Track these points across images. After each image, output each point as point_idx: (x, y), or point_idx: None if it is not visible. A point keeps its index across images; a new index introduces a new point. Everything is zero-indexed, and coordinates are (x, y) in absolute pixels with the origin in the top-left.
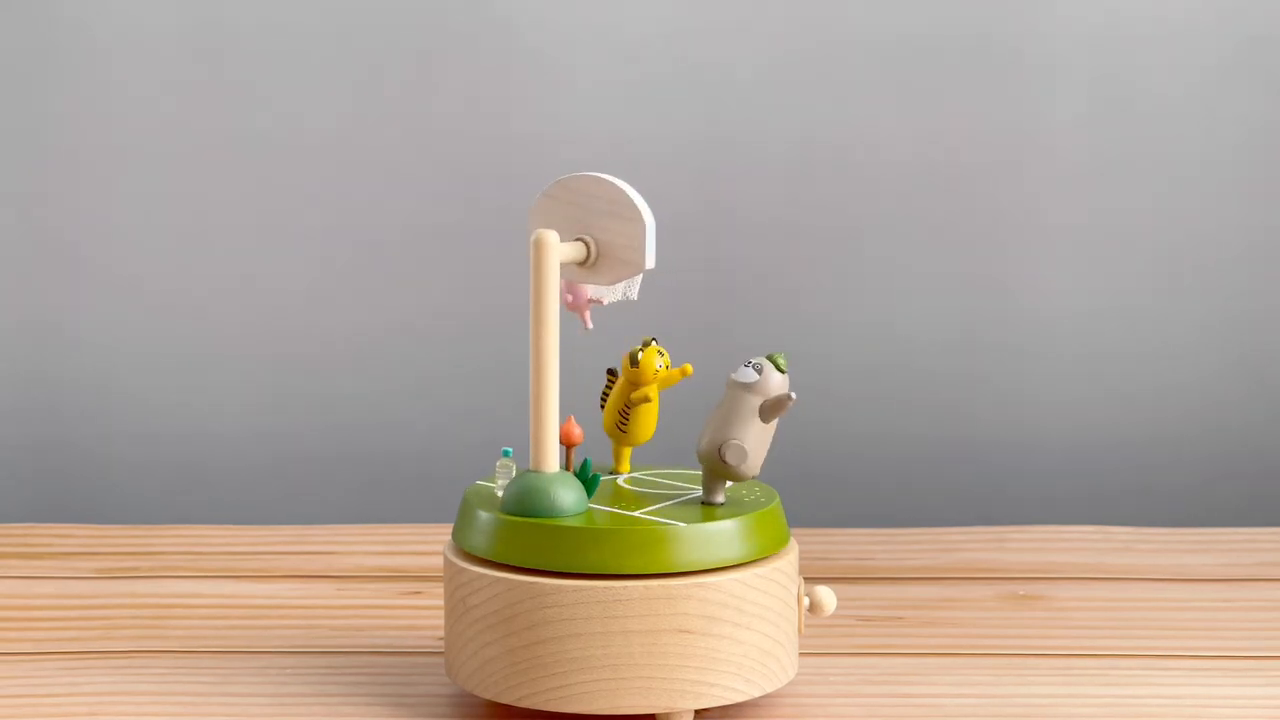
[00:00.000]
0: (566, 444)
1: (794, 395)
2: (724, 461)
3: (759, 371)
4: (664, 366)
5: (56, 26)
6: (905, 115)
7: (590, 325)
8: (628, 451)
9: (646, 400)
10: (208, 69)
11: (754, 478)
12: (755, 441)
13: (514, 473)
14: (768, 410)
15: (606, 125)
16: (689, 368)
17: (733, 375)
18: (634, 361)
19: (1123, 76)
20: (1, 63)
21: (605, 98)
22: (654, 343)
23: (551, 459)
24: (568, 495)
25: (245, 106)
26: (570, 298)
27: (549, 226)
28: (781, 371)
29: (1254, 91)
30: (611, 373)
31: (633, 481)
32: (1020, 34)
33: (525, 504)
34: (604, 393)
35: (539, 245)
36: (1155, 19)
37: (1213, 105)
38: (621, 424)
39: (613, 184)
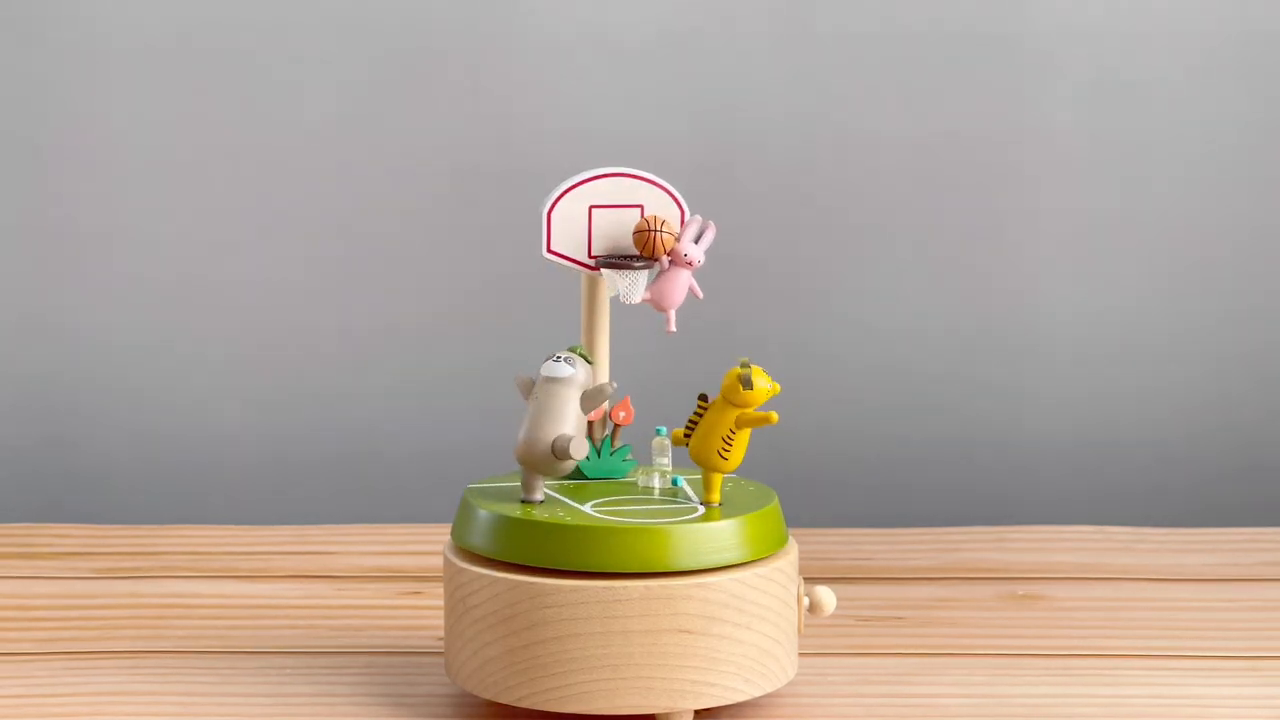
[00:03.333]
0: (617, 422)
1: (614, 384)
2: (556, 456)
3: (572, 365)
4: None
5: (56, 26)
6: (904, 114)
7: (673, 328)
8: (719, 479)
9: (768, 422)
10: (208, 68)
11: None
12: (578, 432)
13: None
14: (588, 401)
15: (607, 123)
16: (773, 416)
17: (544, 371)
18: (747, 384)
19: (1122, 74)
20: (2, 62)
21: (606, 94)
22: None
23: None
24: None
25: (245, 106)
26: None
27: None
28: (589, 363)
29: (1254, 90)
30: (703, 398)
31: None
32: (1019, 31)
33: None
34: (692, 420)
35: None
36: (1155, 17)
37: (1212, 104)
38: (724, 450)
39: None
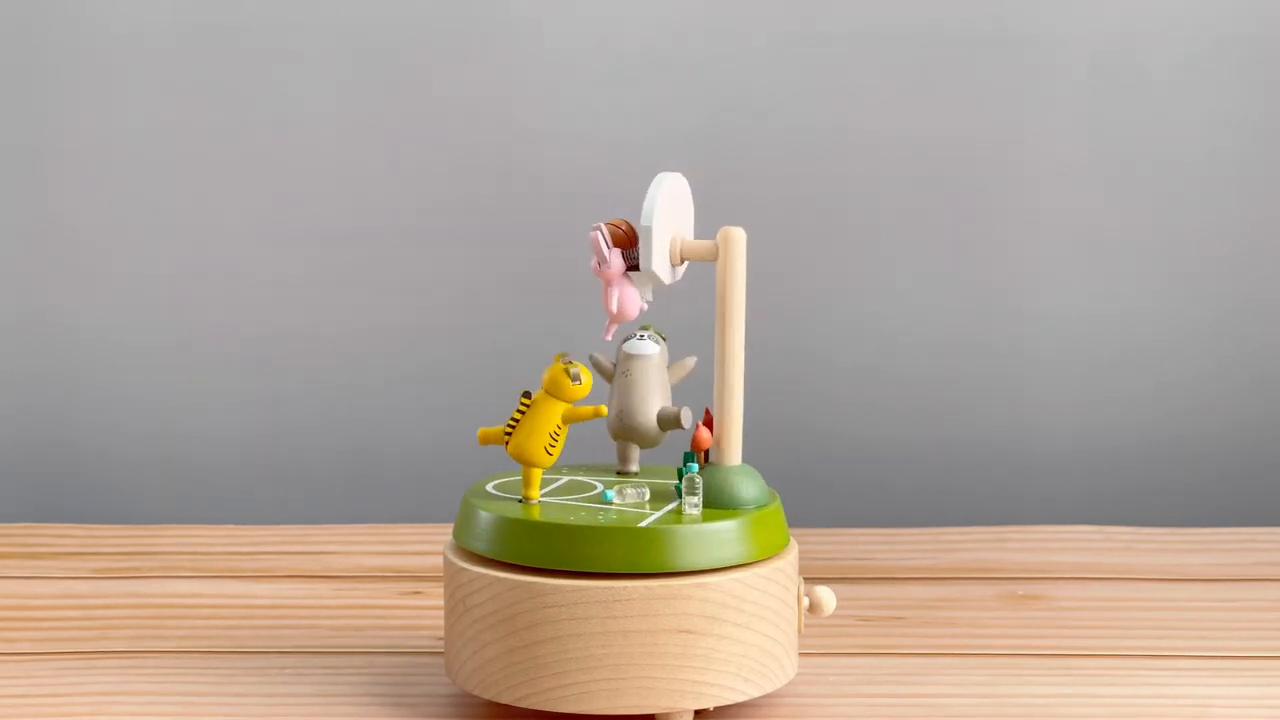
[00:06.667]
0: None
1: (695, 358)
2: (663, 427)
3: (656, 342)
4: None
5: (56, 26)
6: (905, 115)
7: (608, 337)
8: (540, 475)
9: (599, 415)
10: (208, 69)
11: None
12: (673, 405)
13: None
14: (675, 374)
15: (605, 123)
16: (603, 409)
17: (628, 349)
18: (577, 379)
19: (1123, 76)
20: (2, 61)
21: (606, 95)
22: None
23: (734, 453)
24: (753, 487)
25: (245, 106)
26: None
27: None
28: (664, 339)
29: (1254, 90)
30: (526, 395)
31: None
32: (1020, 33)
33: (718, 497)
34: (513, 418)
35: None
36: (1155, 16)
37: (1212, 104)
38: (550, 447)
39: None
